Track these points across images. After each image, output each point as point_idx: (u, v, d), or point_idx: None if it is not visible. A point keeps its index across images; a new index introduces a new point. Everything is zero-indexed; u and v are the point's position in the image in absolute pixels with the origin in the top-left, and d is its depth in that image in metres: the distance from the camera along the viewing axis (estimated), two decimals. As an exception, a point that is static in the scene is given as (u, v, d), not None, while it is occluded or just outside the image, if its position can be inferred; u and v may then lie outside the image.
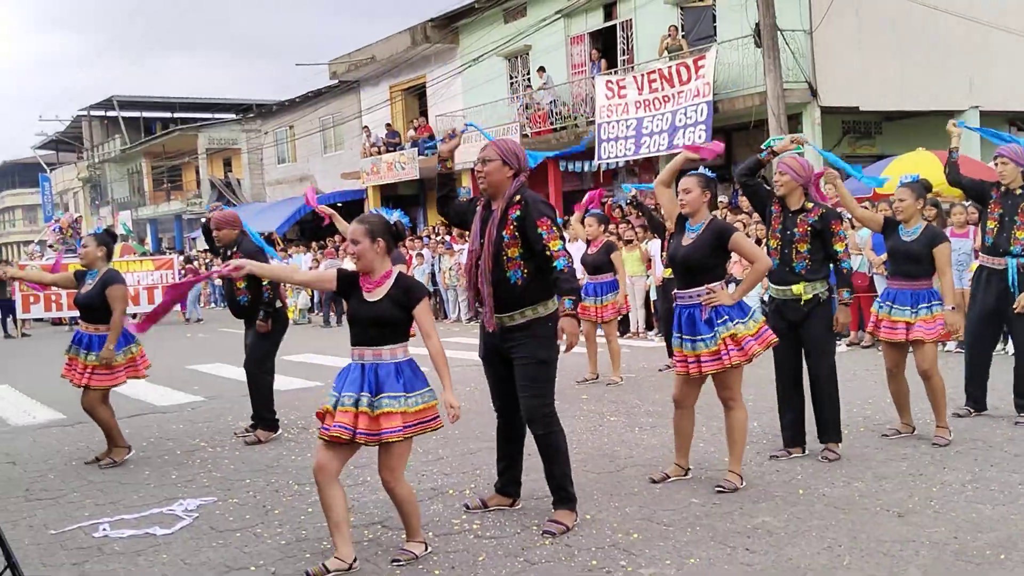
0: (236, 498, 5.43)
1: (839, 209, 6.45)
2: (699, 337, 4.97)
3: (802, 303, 5.51)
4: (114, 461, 6.40)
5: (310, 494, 5.42)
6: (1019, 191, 6.36)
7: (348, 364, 4.20)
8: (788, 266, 5.56)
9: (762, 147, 5.73)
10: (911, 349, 6.01)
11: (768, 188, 5.85)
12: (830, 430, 5.65)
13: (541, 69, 20.32)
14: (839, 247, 5.50)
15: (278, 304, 7.02)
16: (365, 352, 4.13)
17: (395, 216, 4.32)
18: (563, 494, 4.57)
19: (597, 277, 9.07)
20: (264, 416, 7.06)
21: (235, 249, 6.99)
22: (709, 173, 5.24)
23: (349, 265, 4.55)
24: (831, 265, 5.59)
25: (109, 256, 6.60)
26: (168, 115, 42.81)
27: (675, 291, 5.22)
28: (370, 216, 4.28)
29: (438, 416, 4.18)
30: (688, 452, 5.36)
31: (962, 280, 8.91)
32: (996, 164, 6.49)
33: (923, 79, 17.05)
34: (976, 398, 6.60)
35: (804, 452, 5.71)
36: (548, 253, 4.38)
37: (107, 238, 6.71)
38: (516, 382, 4.55)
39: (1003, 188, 6.44)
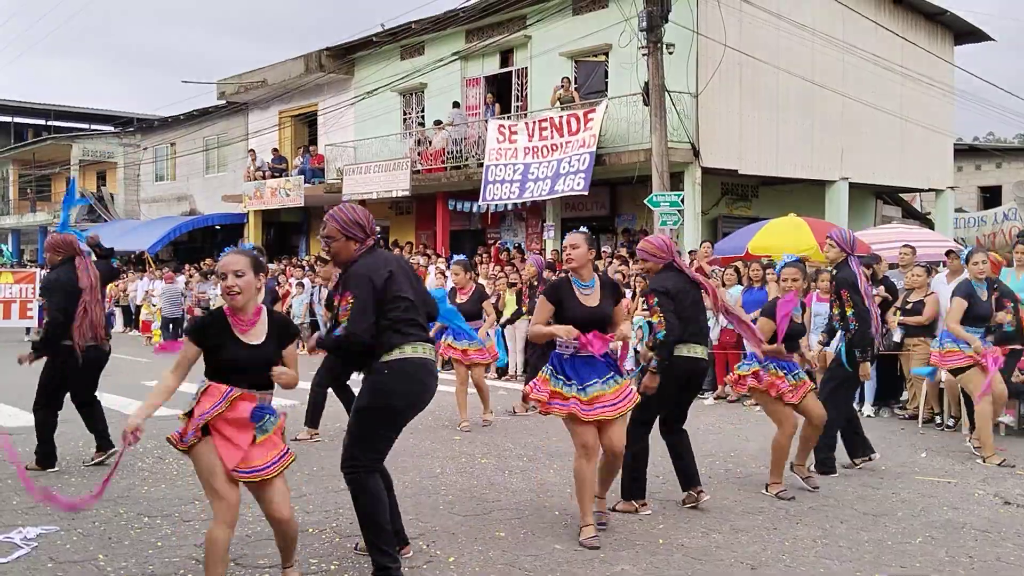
0: (81, 528, 5.12)
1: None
2: (610, 376, 5.06)
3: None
4: None
5: (161, 527, 5.17)
6: (834, 271, 6.66)
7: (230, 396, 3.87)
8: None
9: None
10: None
11: None
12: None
13: (456, 104, 20.37)
14: (655, 318, 5.48)
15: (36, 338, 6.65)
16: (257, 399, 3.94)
17: (250, 245, 4.19)
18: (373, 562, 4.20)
19: (473, 323, 9.04)
20: (45, 450, 6.73)
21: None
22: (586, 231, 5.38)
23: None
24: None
25: None
26: (42, 122, 40.87)
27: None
28: (244, 249, 4.12)
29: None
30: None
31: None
32: (825, 247, 6.74)
33: (798, 148, 17.97)
34: (826, 462, 6.79)
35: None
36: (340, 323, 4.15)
37: None
38: None
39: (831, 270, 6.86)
